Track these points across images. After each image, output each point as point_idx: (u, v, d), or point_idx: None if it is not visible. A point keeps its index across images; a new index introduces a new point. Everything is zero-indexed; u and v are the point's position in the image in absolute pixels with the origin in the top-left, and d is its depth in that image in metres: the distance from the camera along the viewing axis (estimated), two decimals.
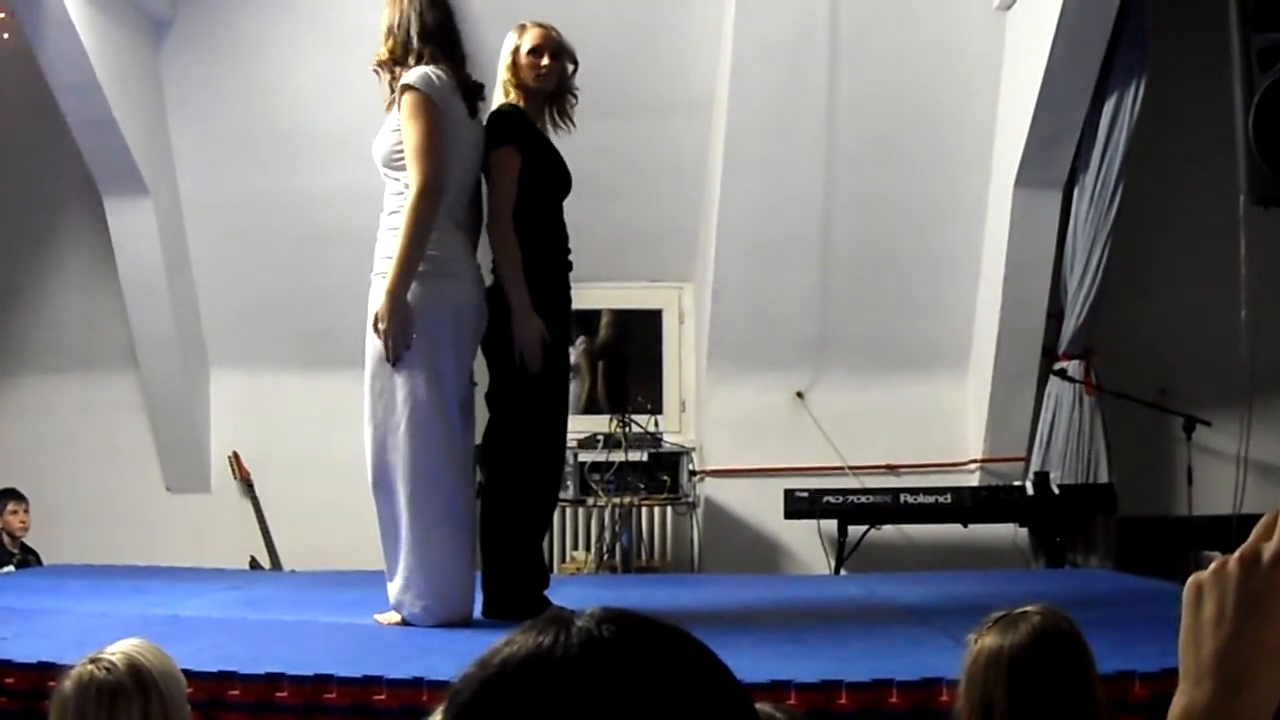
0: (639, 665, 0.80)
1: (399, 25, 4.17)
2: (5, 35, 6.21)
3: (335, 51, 6.77)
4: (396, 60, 4.17)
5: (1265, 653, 0.85)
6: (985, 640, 2.24)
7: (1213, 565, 0.86)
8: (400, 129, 4.11)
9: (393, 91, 4.20)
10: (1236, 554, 0.86)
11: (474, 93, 4.27)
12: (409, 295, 4.05)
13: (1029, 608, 2.28)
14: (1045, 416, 6.96)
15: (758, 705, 2.14)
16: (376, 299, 4.11)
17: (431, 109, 4.06)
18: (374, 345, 4.16)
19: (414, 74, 4.08)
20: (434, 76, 4.09)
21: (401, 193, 4.11)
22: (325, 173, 6.93)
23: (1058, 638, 2.22)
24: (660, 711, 0.79)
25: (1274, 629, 0.84)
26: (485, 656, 0.82)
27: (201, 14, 6.83)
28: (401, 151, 4.11)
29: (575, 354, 7.00)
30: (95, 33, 6.22)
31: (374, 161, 4.27)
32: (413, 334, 4.05)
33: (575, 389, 6.94)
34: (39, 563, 6.59)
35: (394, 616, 4.17)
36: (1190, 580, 0.87)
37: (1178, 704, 0.90)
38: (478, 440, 4.45)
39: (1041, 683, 2.19)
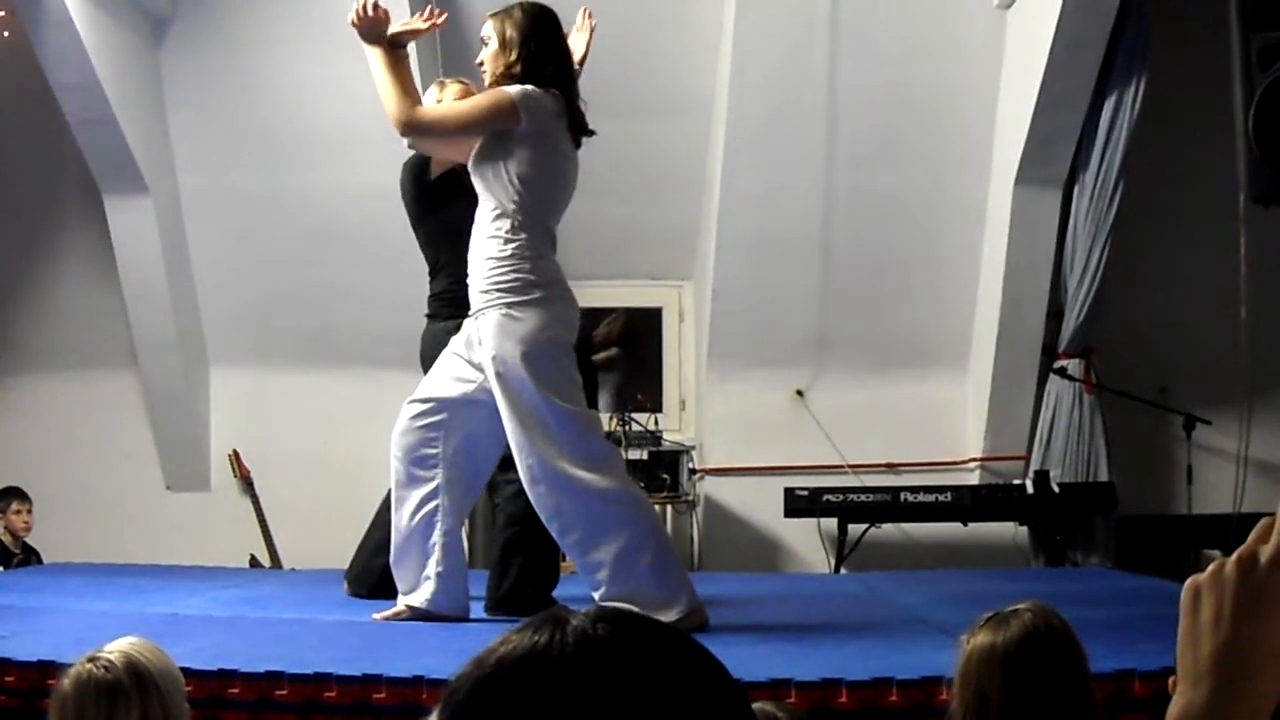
0: (634, 664, 0.80)
1: (533, 44, 4.06)
2: (5, 34, 6.20)
3: (335, 51, 6.75)
4: (518, 78, 4.03)
5: (1263, 653, 0.85)
6: (978, 638, 2.26)
7: (1210, 567, 0.87)
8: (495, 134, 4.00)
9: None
10: (1234, 556, 0.86)
11: (582, 125, 4.17)
12: (539, 317, 3.94)
13: (1020, 605, 2.30)
14: (1045, 415, 6.97)
15: (758, 704, 2.15)
16: (491, 332, 3.94)
17: (499, 114, 3.95)
18: (522, 395, 3.94)
19: (520, 86, 3.97)
20: (538, 97, 3.99)
21: (494, 213, 4.00)
22: (325, 172, 6.94)
23: (1049, 634, 2.25)
24: (656, 710, 0.79)
25: (1271, 630, 0.84)
26: (481, 656, 0.82)
27: (202, 13, 6.83)
28: (492, 154, 3.99)
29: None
30: (95, 31, 6.22)
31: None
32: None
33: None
34: (39, 562, 6.59)
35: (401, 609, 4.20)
36: (1188, 582, 0.88)
37: (1176, 705, 0.91)
38: None
39: (1035, 678, 2.21)
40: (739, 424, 7.31)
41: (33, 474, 6.82)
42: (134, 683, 2.19)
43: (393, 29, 4.14)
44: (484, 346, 3.95)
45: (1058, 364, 6.95)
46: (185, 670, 2.45)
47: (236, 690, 3.15)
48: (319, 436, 7.15)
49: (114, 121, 6.45)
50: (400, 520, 4.19)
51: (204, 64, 6.89)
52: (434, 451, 4.13)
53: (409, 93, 4.02)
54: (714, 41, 6.95)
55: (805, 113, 6.89)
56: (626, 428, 6.80)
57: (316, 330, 7.30)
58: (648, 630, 0.83)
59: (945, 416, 7.33)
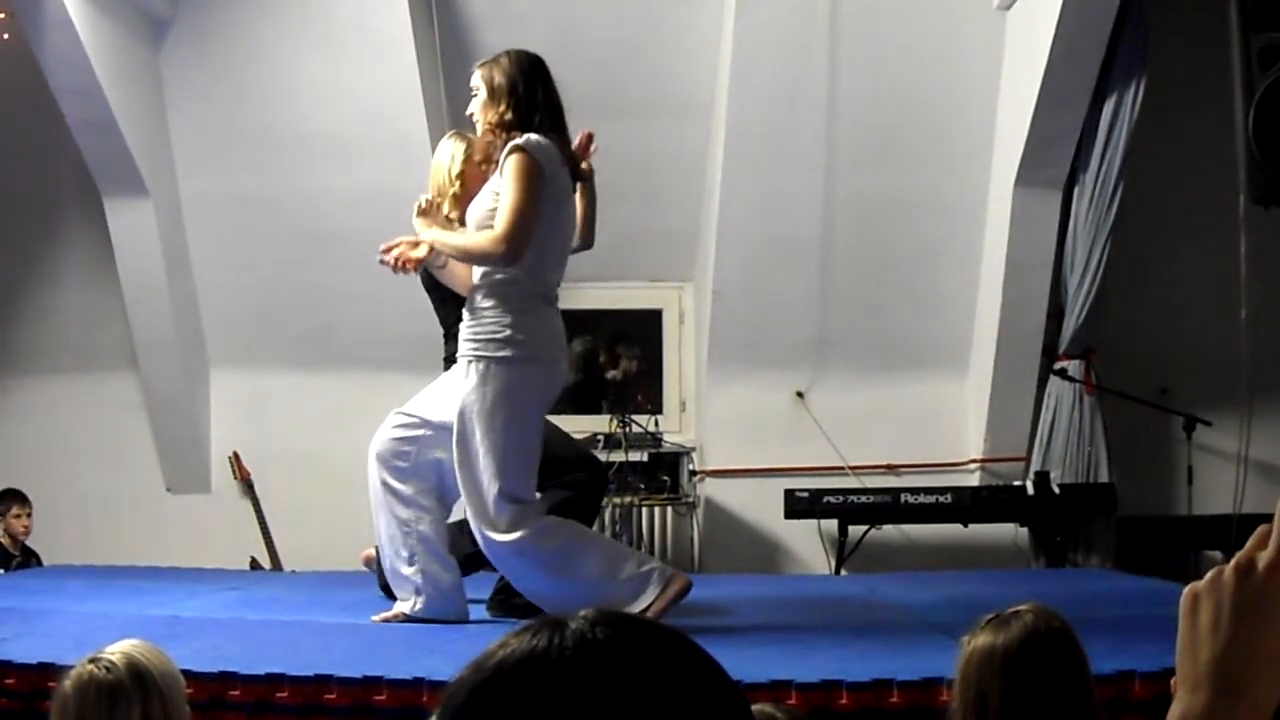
0: (633, 666, 0.80)
1: (521, 89, 4.04)
2: (5, 36, 6.20)
3: (335, 52, 6.77)
4: (512, 125, 4.02)
5: (1261, 659, 0.85)
6: (978, 640, 2.27)
7: (1209, 574, 0.87)
8: (500, 193, 3.97)
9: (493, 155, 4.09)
10: (1232, 563, 0.86)
11: (577, 169, 4.17)
12: (500, 378, 3.96)
13: (1020, 607, 2.31)
14: (1045, 416, 6.96)
15: (759, 706, 2.15)
16: (466, 384, 3.98)
17: (539, 178, 3.92)
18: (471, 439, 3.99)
19: (528, 140, 3.94)
20: (545, 146, 3.96)
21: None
22: (325, 173, 6.94)
23: (1050, 635, 2.25)
24: (654, 712, 0.79)
25: (1269, 635, 0.85)
26: (480, 659, 0.82)
27: (201, 14, 6.83)
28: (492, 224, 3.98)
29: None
30: (95, 33, 6.22)
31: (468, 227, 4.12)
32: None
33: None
34: (39, 564, 6.59)
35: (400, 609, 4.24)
36: (1187, 589, 0.88)
37: (1175, 710, 0.91)
38: None
39: (1036, 679, 2.21)
40: (739, 425, 7.31)
41: (33, 476, 6.81)
42: (135, 684, 2.19)
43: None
44: (458, 390, 4.01)
45: (1058, 365, 6.94)
46: (185, 672, 2.44)
47: (237, 692, 3.15)
48: (319, 438, 7.14)
49: (114, 124, 6.45)
50: (379, 527, 4.30)
51: (204, 66, 6.89)
52: (405, 464, 4.25)
53: (477, 237, 3.99)
54: (714, 42, 6.95)
55: (805, 114, 6.89)
56: (627, 429, 6.80)
57: (317, 332, 7.30)
58: (646, 633, 0.83)
59: (945, 418, 7.32)
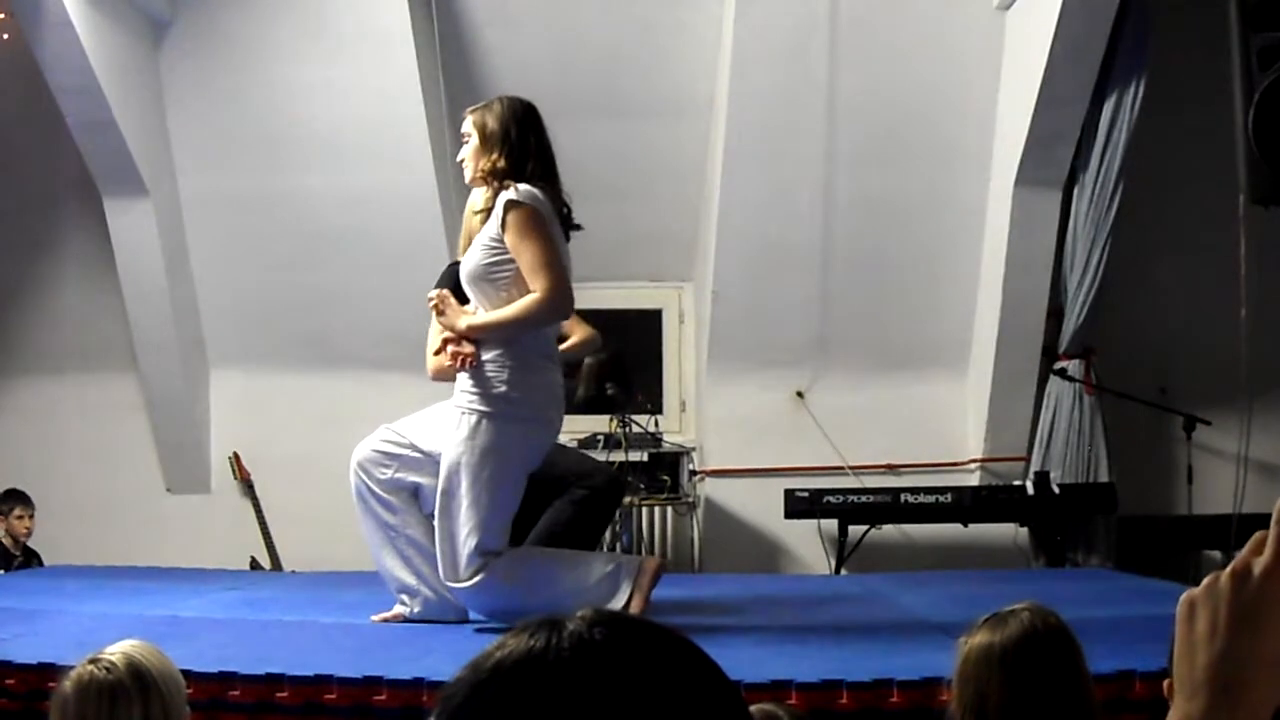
0: (631, 667, 0.80)
1: (514, 136, 3.99)
2: (5, 36, 6.21)
3: (334, 52, 6.77)
4: (504, 173, 3.97)
5: (1258, 664, 0.86)
6: (975, 639, 2.27)
7: (1205, 581, 0.87)
8: (496, 245, 3.91)
9: (487, 202, 4.02)
10: (1228, 569, 0.87)
11: (569, 219, 4.10)
12: (492, 434, 3.93)
13: (1017, 605, 2.31)
14: (1045, 416, 6.96)
15: (762, 705, 2.15)
16: (456, 435, 3.95)
17: (544, 224, 3.89)
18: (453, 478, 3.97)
19: (520, 191, 3.89)
20: (539, 197, 3.92)
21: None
22: (324, 173, 6.94)
23: (1047, 632, 2.26)
24: (652, 712, 0.79)
25: (1266, 641, 0.85)
26: (477, 660, 0.82)
27: (201, 15, 6.83)
28: (498, 267, 3.92)
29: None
30: (95, 33, 6.22)
31: (463, 281, 4.05)
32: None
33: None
34: (40, 564, 6.59)
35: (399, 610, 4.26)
36: (1183, 596, 0.88)
37: (1173, 717, 0.91)
38: None
39: (1034, 676, 2.22)
40: (739, 425, 7.31)
41: (33, 476, 6.82)
42: (136, 684, 2.19)
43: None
44: (448, 440, 3.98)
45: (1058, 365, 6.94)
46: (186, 672, 2.45)
47: (237, 692, 3.15)
48: (319, 439, 7.13)
49: (113, 124, 6.45)
50: (367, 533, 4.32)
51: (203, 67, 6.89)
52: (384, 476, 4.26)
53: (516, 307, 3.91)
54: (714, 43, 6.95)
55: (805, 114, 6.89)
56: (626, 429, 6.80)
57: (316, 332, 7.30)
58: (644, 633, 0.83)
59: (945, 418, 7.32)
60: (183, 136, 7.02)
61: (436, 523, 3.99)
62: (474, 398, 3.95)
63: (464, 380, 3.99)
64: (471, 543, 3.91)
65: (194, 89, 6.93)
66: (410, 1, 6.64)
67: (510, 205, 3.89)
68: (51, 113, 6.49)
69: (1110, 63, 6.48)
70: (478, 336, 3.96)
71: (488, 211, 3.98)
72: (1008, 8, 6.71)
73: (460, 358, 3.95)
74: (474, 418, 3.94)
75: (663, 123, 7.22)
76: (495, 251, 3.93)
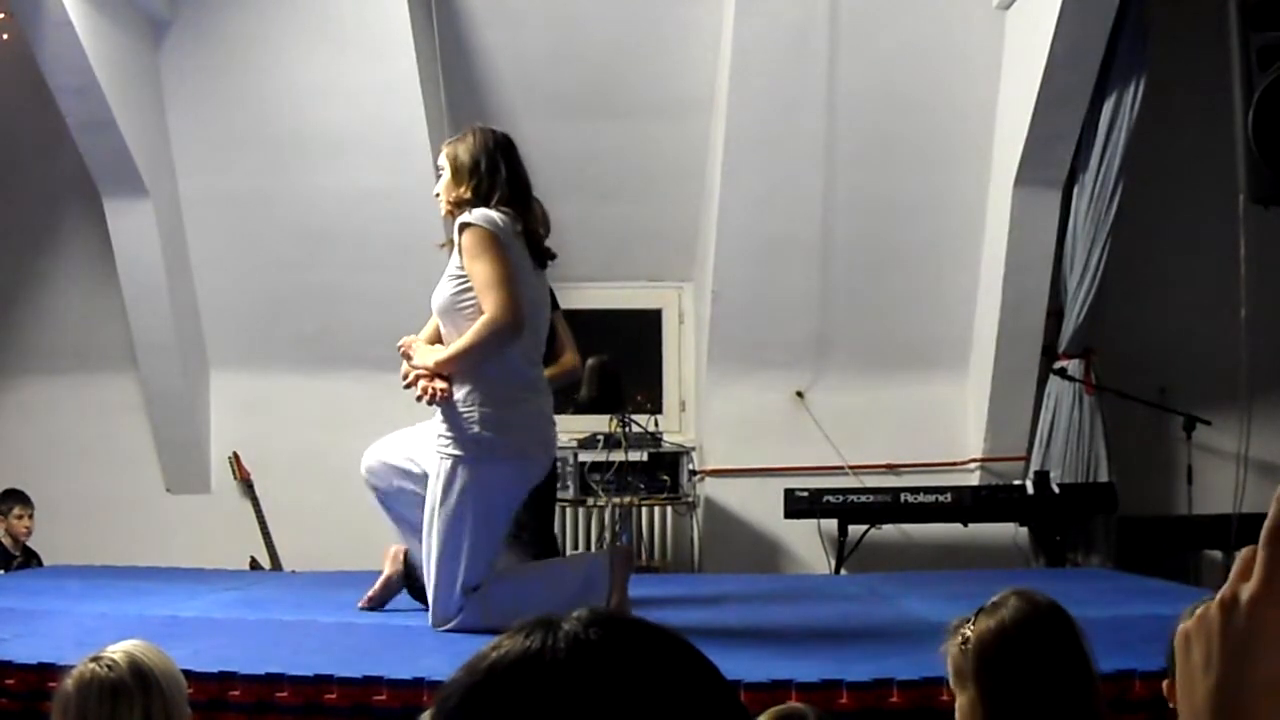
0: (627, 667, 0.80)
1: (483, 167, 3.96)
2: (5, 35, 6.21)
3: (334, 52, 6.77)
4: (469, 205, 3.91)
5: (1254, 693, 0.86)
6: (969, 630, 2.26)
7: (1197, 612, 0.88)
8: (460, 275, 3.88)
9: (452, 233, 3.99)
10: (1216, 599, 0.87)
11: (541, 247, 4.06)
12: (466, 479, 3.91)
13: (1001, 593, 2.31)
14: (1045, 416, 6.97)
15: (789, 705, 2.16)
16: (435, 481, 3.94)
17: (496, 243, 3.81)
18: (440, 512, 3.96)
19: (474, 214, 3.85)
20: (498, 218, 3.87)
21: None
22: (324, 173, 6.94)
23: (1041, 610, 2.27)
24: (648, 713, 0.79)
25: (1259, 669, 0.85)
26: (473, 661, 0.82)
27: (201, 14, 6.83)
28: (464, 297, 3.89)
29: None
30: (95, 33, 6.22)
31: (434, 313, 4.03)
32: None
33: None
34: (40, 564, 6.59)
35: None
36: (1179, 630, 0.89)
37: None
38: None
39: (1045, 649, 2.22)
40: (739, 425, 7.31)
41: (32, 476, 6.82)
42: (137, 683, 2.19)
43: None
44: (430, 482, 3.97)
45: (1058, 364, 6.94)
46: (186, 672, 2.45)
47: (237, 692, 3.15)
48: (319, 439, 7.14)
49: (113, 124, 6.45)
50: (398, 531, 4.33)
51: (203, 66, 6.89)
52: (388, 489, 4.24)
53: (470, 333, 3.87)
54: (714, 43, 6.95)
55: (805, 113, 6.89)
56: (626, 429, 6.80)
57: (316, 332, 7.30)
58: (640, 633, 0.84)
59: (945, 417, 7.33)
60: (183, 136, 7.02)
61: (424, 562, 4.01)
62: (448, 442, 3.92)
63: (439, 423, 3.95)
64: (454, 587, 3.92)
65: (194, 89, 6.93)
66: (410, 1, 6.64)
67: (463, 227, 3.86)
68: (51, 113, 6.48)
69: (1110, 63, 6.48)
70: (446, 372, 3.91)
71: (452, 243, 3.96)
72: (1008, 8, 6.71)
73: (430, 392, 3.91)
74: (449, 462, 3.91)
75: (663, 122, 7.21)
76: (459, 282, 3.90)
